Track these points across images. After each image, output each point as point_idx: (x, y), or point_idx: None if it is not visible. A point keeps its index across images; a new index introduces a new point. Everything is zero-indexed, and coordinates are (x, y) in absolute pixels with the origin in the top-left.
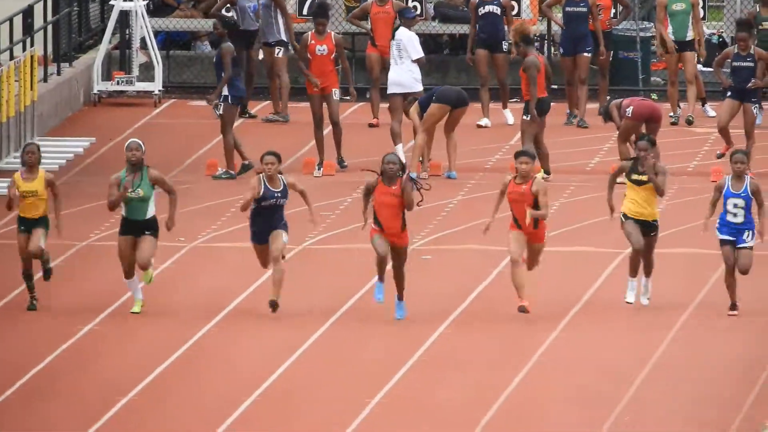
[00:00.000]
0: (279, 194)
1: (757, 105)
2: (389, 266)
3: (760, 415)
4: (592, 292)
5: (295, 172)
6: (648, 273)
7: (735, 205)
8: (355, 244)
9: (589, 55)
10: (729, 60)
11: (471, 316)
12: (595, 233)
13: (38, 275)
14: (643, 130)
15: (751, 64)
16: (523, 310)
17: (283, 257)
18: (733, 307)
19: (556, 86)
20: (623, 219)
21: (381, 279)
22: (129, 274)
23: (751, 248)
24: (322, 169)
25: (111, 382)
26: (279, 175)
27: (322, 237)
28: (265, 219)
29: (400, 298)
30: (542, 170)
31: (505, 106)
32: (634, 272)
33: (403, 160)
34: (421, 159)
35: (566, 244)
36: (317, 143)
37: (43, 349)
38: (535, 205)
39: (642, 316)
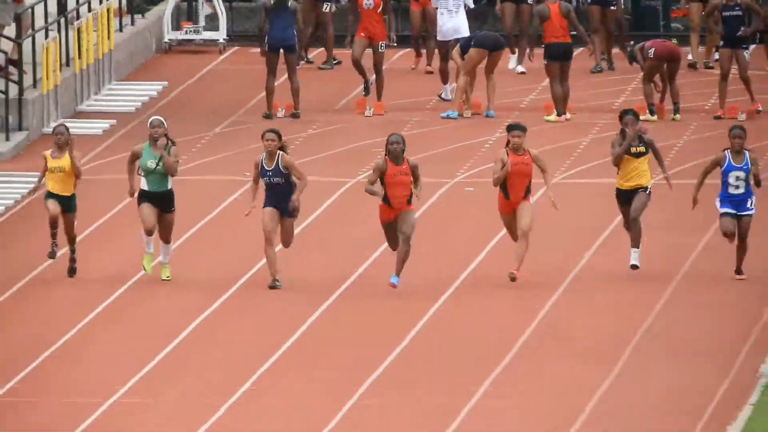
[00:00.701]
0: (270, 172)
1: (746, 50)
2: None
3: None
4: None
5: (349, 112)
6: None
7: (737, 178)
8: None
9: (615, 9)
10: (718, 11)
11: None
12: None
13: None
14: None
15: (739, 13)
16: (512, 278)
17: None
18: (739, 271)
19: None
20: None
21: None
22: (150, 232)
23: (751, 216)
24: (372, 109)
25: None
26: (279, 153)
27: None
28: (272, 195)
29: (397, 273)
30: (554, 112)
31: (512, 52)
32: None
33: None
34: (463, 99)
35: (594, 176)
36: (356, 66)
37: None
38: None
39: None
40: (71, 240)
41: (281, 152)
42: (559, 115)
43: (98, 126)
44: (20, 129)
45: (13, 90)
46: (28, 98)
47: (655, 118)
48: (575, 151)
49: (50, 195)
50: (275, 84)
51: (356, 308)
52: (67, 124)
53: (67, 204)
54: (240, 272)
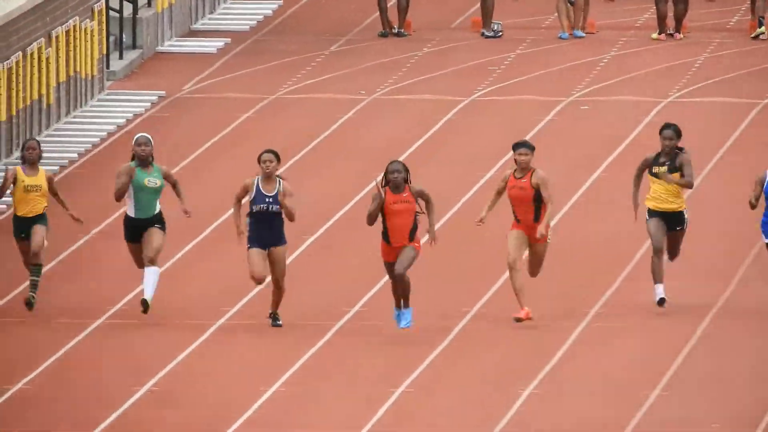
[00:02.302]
0: (270, 199)
1: None
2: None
3: None
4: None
5: (465, 30)
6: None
7: None
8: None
9: None
10: None
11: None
12: (638, 84)
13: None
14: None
15: None
16: (519, 320)
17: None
18: None
19: None
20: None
21: (398, 305)
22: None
23: None
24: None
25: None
26: (277, 178)
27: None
28: (262, 226)
29: (397, 306)
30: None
31: None
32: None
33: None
34: (569, 20)
35: (612, 94)
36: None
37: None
38: (538, 201)
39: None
40: (35, 264)
41: (280, 178)
42: (660, 33)
43: (212, 45)
44: (134, 47)
45: (128, 9)
46: (142, 17)
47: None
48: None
49: (19, 224)
50: (388, 4)
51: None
52: (181, 43)
53: (37, 220)
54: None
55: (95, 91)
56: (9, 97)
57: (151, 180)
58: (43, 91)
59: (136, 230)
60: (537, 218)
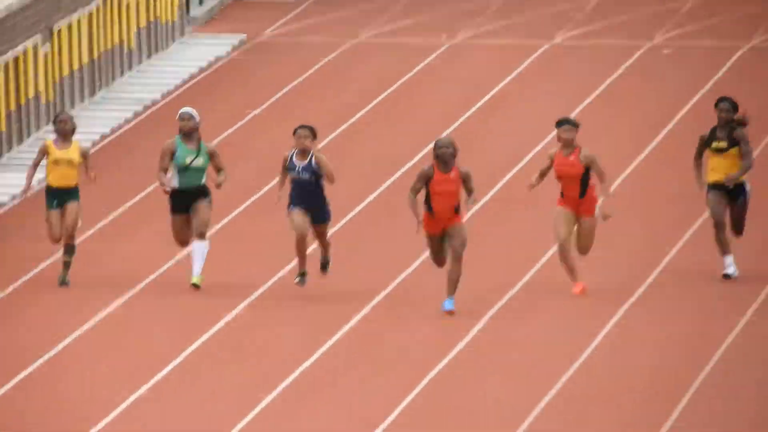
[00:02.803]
0: (300, 168)
1: None
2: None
3: None
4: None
5: None
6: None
7: None
8: None
9: None
10: None
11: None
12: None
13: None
14: None
15: None
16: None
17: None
18: None
19: None
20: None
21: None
22: (184, 245)
23: None
24: None
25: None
26: (312, 151)
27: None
28: (301, 194)
29: (449, 294)
30: None
31: None
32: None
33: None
34: None
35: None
36: None
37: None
38: (586, 179)
39: None
40: (69, 246)
41: (315, 151)
42: None
43: None
44: None
45: None
46: None
47: None
48: None
49: (52, 194)
50: None
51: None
52: None
53: (71, 195)
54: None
55: (176, 35)
56: (90, 42)
57: (197, 159)
58: (124, 37)
59: (181, 201)
60: (582, 194)
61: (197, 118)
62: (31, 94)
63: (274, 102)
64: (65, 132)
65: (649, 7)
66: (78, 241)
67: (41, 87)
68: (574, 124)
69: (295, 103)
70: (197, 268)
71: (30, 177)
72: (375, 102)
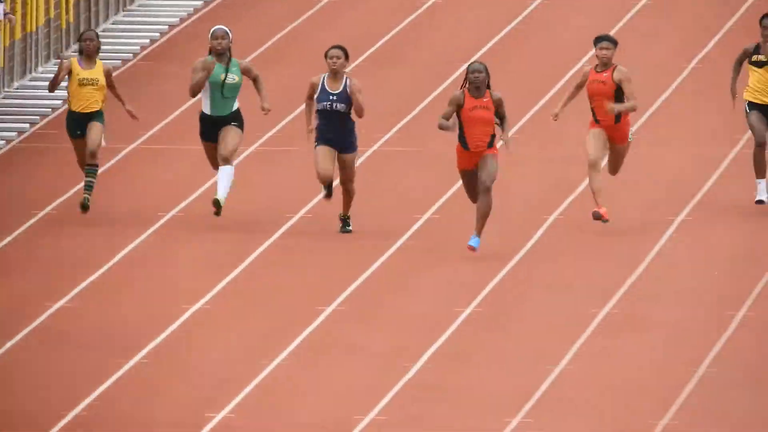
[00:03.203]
0: (335, 97)
1: None
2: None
3: None
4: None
5: None
6: None
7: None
8: None
9: None
10: None
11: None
12: None
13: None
14: None
15: None
16: (598, 216)
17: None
18: None
19: None
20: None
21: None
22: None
23: None
24: None
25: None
26: (345, 76)
27: None
28: (329, 126)
29: (478, 232)
30: None
31: None
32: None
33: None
34: None
35: None
36: None
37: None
38: (618, 98)
39: None
40: (91, 165)
41: (348, 76)
42: None
43: None
44: None
45: None
46: None
47: None
48: None
49: (74, 121)
50: None
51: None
52: None
53: (94, 117)
54: None
55: None
56: None
57: (230, 76)
58: None
59: (212, 128)
60: (617, 119)
61: (230, 37)
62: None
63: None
64: (90, 51)
65: None
66: (103, 168)
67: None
68: (613, 42)
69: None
70: (222, 189)
71: (52, 90)
72: (401, 26)
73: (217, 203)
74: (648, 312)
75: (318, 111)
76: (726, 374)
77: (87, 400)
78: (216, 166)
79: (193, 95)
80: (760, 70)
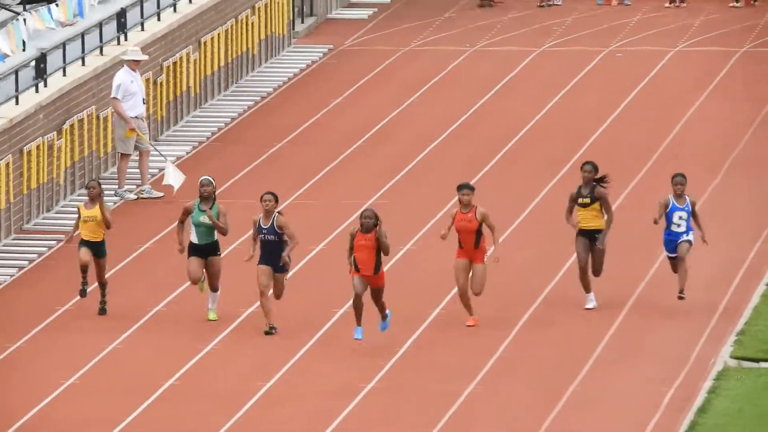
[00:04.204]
0: (266, 230)
1: None
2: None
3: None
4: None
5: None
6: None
7: (680, 218)
8: None
9: None
10: None
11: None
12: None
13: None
14: None
15: None
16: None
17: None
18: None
19: None
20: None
21: (358, 322)
22: (194, 282)
23: (689, 241)
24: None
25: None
26: (276, 214)
27: None
28: (265, 251)
29: (383, 318)
30: None
31: None
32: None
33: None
34: None
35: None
36: None
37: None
38: (479, 234)
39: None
40: (102, 285)
41: (277, 213)
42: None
43: (364, 12)
44: (311, 15)
45: None
46: None
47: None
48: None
49: (83, 243)
50: None
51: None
52: (343, 11)
53: (98, 250)
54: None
55: (285, 45)
56: (226, 51)
57: (206, 219)
58: (249, 46)
59: (198, 252)
60: (477, 245)
61: (213, 185)
62: (184, 88)
63: (350, 93)
64: (93, 196)
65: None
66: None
67: (191, 83)
68: (471, 188)
69: (368, 93)
70: (212, 304)
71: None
72: (419, 92)
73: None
74: None
75: (260, 240)
76: None
77: None
78: (192, 276)
79: (179, 229)
80: (584, 210)
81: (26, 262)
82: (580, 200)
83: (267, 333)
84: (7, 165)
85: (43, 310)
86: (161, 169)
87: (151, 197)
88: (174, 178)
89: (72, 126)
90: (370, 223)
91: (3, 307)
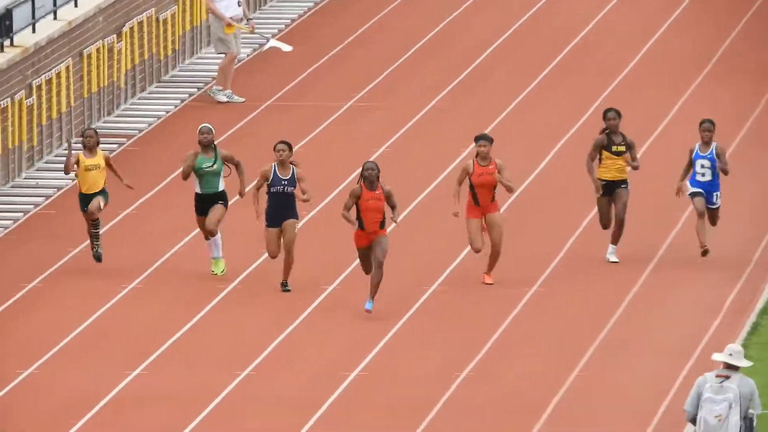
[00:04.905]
0: (286, 182)
1: None
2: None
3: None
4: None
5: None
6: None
7: (702, 166)
8: None
9: None
10: None
11: None
12: None
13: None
14: None
15: None
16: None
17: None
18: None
19: None
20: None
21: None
22: (208, 237)
23: (717, 208)
24: None
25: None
26: (291, 165)
27: None
28: (277, 204)
29: (371, 297)
30: None
31: None
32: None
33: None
34: None
35: None
36: None
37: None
38: (495, 187)
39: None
40: (95, 213)
41: (294, 164)
42: None
43: None
44: None
45: None
46: None
47: None
48: None
49: (83, 200)
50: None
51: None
52: None
53: (97, 194)
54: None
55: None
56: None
57: (208, 164)
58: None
59: (203, 204)
60: (492, 198)
61: (213, 132)
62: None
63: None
64: (90, 145)
65: None
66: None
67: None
68: (490, 140)
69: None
70: (216, 252)
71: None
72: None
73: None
74: None
75: (270, 194)
76: None
77: None
78: (206, 236)
79: (184, 179)
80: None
81: None
82: (614, 148)
83: (283, 287)
84: (67, 68)
85: (106, 212)
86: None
87: (232, 101)
88: (281, 45)
89: (132, 29)
90: (374, 175)
91: (71, 213)
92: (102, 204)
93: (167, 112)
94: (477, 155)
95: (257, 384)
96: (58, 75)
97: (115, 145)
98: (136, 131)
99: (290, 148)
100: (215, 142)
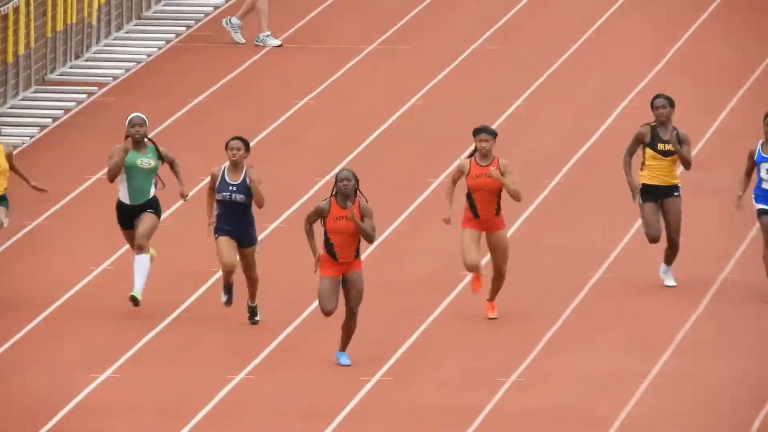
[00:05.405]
0: (234, 188)
1: None
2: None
3: None
4: None
5: None
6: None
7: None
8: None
9: None
10: None
11: None
12: None
13: None
14: None
15: None
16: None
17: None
18: None
19: None
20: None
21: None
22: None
23: None
24: None
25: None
26: (246, 167)
27: None
28: (229, 216)
29: (342, 348)
30: None
31: None
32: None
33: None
34: None
35: None
36: None
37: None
38: (500, 195)
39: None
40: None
41: (248, 167)
42: None
43: None
44: None
45: None
46: None
47: None
48: None
49: None
50: None
51: None
52: None
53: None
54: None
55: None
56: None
57: (144, 161)
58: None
59: (128, 217)
60: (497, 212)
61: (147, 124)
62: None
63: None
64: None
65: None
66: None
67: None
68: (493, 133)
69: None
70: (138, 283)
71: None
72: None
73: (134, 299)
74: None
75: (217, 202)
76: None
77: None
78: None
79: (111, 180)
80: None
81: (49, 120)
82: (660, 146)
83: (251, 318)
84: (27, 2)
85: (70, 179)
86: None
87: (265, 45)
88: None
89: None
90: (351, 187)
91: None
92: (3, 221)
93: (149, 55)
94: (475, 152)
95: (257, 384)
96: (16, 9)
97: (84, 95)
98: (110, 78)
99: (247, 146)
100: (149, 136)
